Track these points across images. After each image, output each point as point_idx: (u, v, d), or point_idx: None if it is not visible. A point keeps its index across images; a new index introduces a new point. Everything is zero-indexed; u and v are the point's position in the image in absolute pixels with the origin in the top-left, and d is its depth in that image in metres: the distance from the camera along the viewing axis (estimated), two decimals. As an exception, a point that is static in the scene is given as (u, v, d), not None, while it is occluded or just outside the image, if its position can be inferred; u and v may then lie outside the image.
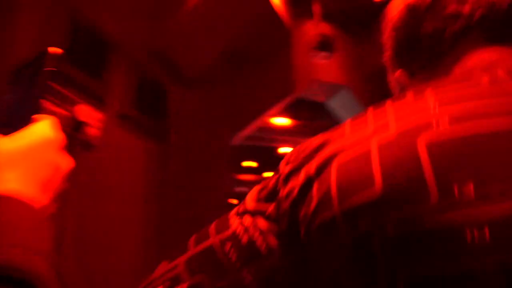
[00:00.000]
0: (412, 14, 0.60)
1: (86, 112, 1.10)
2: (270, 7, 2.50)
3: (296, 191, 0.47)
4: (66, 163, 0.42)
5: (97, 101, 1.21)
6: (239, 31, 2.14)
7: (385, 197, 0.39)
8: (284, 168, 0.53)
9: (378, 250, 0.37)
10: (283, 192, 0.50)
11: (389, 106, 0.49)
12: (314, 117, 5.83)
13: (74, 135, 1.06)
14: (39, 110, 0.38)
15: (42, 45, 1.11)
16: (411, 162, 0.39)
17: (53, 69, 0.38)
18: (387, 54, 0.68)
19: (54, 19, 1.08)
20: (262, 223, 0.48)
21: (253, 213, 0.50)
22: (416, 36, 0.59)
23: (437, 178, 0.37)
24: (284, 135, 5.33)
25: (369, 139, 0.44)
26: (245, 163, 7.33)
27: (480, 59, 0.56)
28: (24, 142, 0.37)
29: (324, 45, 2.84)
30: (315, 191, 0.44)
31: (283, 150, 6.90)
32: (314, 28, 3.00)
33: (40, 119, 0.39)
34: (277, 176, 0.53)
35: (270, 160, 7.81)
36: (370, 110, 0.51)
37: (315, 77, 3.08)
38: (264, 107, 2.67)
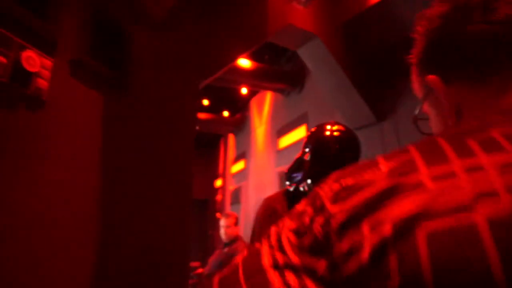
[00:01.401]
0: (457, 13, 0.49)
1: (34, 60, 0.85)
2: None
3: (365, 256, 0.36)
4: None
5: (46, 46, 0.94)
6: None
7: None
8: (332, 208, 0.40)
9: None
10: (339, 248, 0.38)
11: (483, 156, 0.38)
12: (276, 62, 5.63)
13: (19, 89, 0.82)
14: None
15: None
16: None
17: None
18: (417, 52, 0.55)
19: None
20: (311, 285, 0.38)
21: (298, 270, 0.39)
22: (460, 39, 0.48)
23: None
24: (242, 76, 5.11)
25: (471, 206, 0.34)
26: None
27: None
28: None
29: (303, -12, 2.58)
30: (394, 263, 0.34)
31: (242, 90, 6.70)
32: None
33: None
34: (322, 218, 0.40)
35: (225, 99, 7.63)
36: (448, 149, 0.40)
37: (288, 22, 2.84)
38: (234, 51, 2.42)
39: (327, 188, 0.42)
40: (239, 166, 7.64)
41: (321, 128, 1.44)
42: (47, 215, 0.97)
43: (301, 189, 1.42)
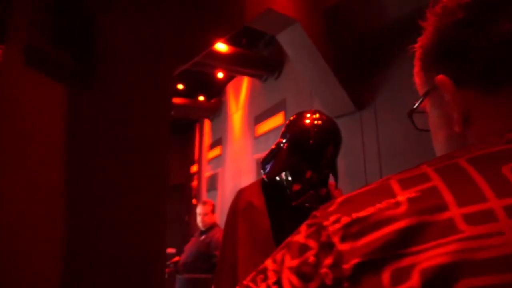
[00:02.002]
0: (484, 9, 0.42)
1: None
2: None
3: None
4: None
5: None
6: None
7: None
8: (342, 246, 0.34)
9: None
10: None
11: None
12: (253, 46, 5.50)
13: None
14: None
15: None
16: None
17: None
18: (425, 45, 0.48)
19: None
20: None
21: None
22: (484, 40, 0.41)
23: None
24: (219, 60, 4.96)
25: None
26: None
27: None
28: None
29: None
30: None
31: (219, 75, 6.54)
32: None
33: None
34: (330, 258, 0.34)
35: (200, 84, 7.44)
36: (481, 180, 0.33)
37: (268, 6, 2.73)
38: (211, 36, 2.30)
39: (333, 219, 0.35)
40: (215, 152, 7.54)
41: (301, 116, 1.37)
42: (7, 218, 0.86)
43: (277, 178, 1.36)
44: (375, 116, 3.25)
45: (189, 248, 3.80)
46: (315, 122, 1.32)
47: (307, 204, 1.28)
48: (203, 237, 3.75)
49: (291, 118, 1.40)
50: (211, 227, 3.79)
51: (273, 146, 1.44)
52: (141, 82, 1.53)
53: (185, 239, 4.70)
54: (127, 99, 1.42)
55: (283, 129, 1.41)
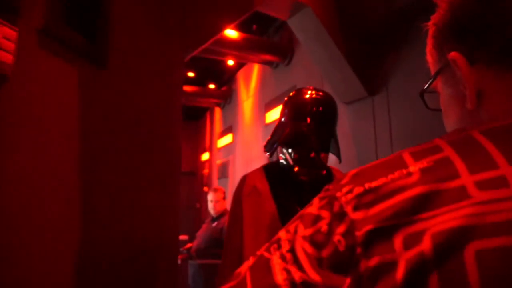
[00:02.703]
0: None
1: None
2: None
3: (399, 277, 0.30)
4: None
5: (9, 13, 0.81)
6: None
7: None
8: (355, 215, 0.35)
9: None
10: (367, 264, 0.32)
11: None
12: (264, 33, 5.45)
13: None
14: None
15: None
16: None
17: None
18: (438, 22, 0.48)
19: None
20: None
21: None
22: (499, 17, 0.41)
23: None
24: (229, 47, 4.93)
25: None
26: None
27: None
28: None
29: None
30: (435, 285, 0.29)
31: (229, 62, 6.52)
32: None
33: None
34: (343, 226, 0.35)
35: (211, 71, 7.43)
36: (493, 150, 0.34)
37: (279, -10, 2.70)
38: (221, 21, 2.29)
39: (346, 190, 0.36)
40: (226, 140, 7.56)
41: (299, 91, 1.40)
42: (17, 208, 0.88)
43: (284, 162, 1.36)
44: (387, 102, 3.20)
45: (202, 234, 3.85)
46: (314, 96, 1.35)
47: (308, 172, 1.30)
48: (215, 223, 3.79)
49: (290, 94, 1.43)
50: (223, 213, 3.83)
51: (277, 123, 1.45)
52: (152, 65, 1.54)
53: (197, 226, 4.76)
54: (138, 84, 1.42)
55: (282, 105, 1.43)
